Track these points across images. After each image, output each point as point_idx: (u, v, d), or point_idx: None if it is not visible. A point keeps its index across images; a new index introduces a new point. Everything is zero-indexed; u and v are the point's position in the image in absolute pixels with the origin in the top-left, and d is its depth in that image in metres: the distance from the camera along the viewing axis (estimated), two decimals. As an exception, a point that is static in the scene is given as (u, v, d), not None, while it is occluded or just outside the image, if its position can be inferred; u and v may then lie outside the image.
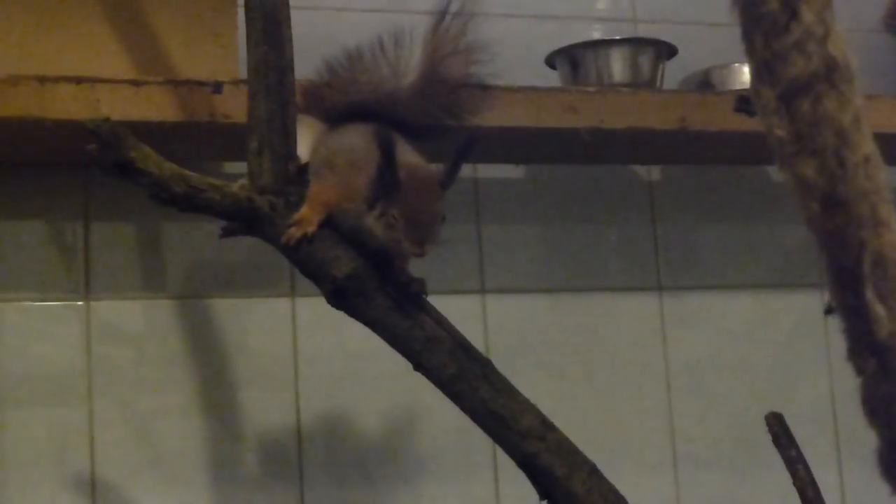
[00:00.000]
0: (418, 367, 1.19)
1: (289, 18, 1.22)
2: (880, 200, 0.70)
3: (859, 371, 0.75)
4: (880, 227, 0.70)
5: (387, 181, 1.14)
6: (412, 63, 1.27)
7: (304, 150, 1.25)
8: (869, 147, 0.70)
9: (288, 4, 1.22)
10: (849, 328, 0.75)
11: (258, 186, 1.19)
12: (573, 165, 1.84)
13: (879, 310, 0.71)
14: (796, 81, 0.67)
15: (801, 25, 0.67)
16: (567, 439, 1.18)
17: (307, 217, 1.19)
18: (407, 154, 1.19)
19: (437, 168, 1.20)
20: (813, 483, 1.31)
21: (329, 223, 1.19)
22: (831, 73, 0.68)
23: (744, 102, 1.63)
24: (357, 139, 1.22)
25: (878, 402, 0.76)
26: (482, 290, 1.79)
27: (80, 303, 1.63)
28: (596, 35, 1.79)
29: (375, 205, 1.15)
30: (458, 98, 1.28)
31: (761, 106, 0.71)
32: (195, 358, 1.66)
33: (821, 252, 0.73)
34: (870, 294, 0.71)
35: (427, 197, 1.16)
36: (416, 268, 1.23)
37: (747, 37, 0.71)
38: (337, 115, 1.29)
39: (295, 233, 1.18)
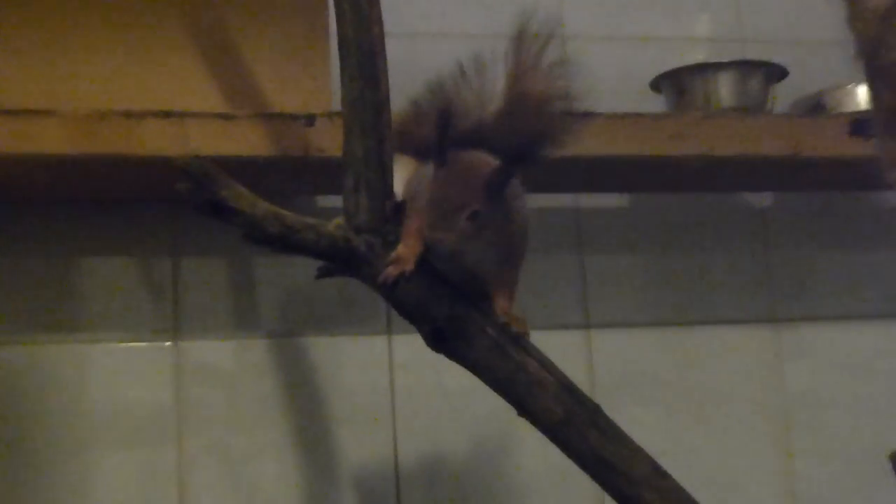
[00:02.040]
0: (522, 412, 1.18)
1: (384, 51, 1.21)
2: None
3: None
4: None
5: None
6: (497, 88, 1.23)
7: (398, 188, 1.24)
8: None
9: (383, 37, 1.22)
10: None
11: (354, 225, 1.19)
12: (680, 193, 1.83)
13: None
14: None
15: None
16: (681, 487, 1.16)
17: (404, 255, 1.17)
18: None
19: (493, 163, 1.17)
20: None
21: (425, 259, 1.18)
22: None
23: (859, 126, 1.61)
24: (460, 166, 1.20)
25: None
26: (587, 325, 1.77)
27: (168, 343, 1.65)
28: (701, 58, 1.77)
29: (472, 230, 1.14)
30: (547, 119, 1.23)
31: (886, 158, 0.69)
32: (289, 398, 1.67)
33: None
34: None
35: (458, 180, 1.15)
36: (517, 303, 1.22)
37: (872, 88, 0.70)
38: (428, 151, 1.28)
39: (392, 272, 1.16)
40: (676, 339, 1.81)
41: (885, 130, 0.70)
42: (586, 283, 1.78)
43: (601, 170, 1.62)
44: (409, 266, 1.17)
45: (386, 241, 1.19)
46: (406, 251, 1.17)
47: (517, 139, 1.21)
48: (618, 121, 1.58)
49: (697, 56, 1.79)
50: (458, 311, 1.17)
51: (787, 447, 1.81)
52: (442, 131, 1.14)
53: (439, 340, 1.19)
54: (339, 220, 1.20)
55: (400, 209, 1.20)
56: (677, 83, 1.73)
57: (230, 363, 1.66)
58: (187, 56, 1.48)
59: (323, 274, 1.22)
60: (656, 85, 1.77)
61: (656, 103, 1.76)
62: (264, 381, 1.67)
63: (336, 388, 1.69)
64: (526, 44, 1.22)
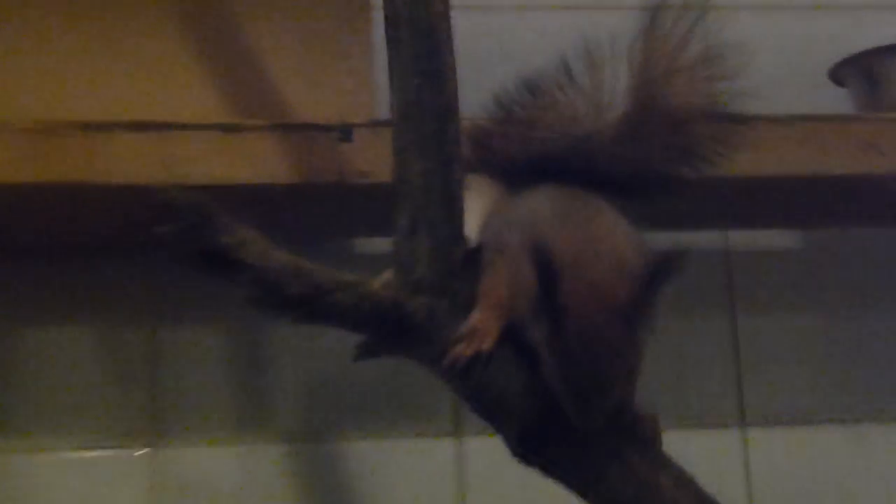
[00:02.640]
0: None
1: (451, 35, 1.21)
2: None
3: None
4: None
5: (543, 305, 1.10)
6: (617, 89, 1.24)
7: (473, 224, 1.24)
8: None
9: (449, 15, 1.22)
10: None
11: (411, 282, 1.18)
12: (875, 228, 1.83)
13: None
14: None
15: None
16: None
17: (482, 328, 1.17)
18: (597, 245, 1.14)
19: (633, 268, 1.12)
20: None
21: (509, 335, 1.18)
22: None
23: None
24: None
25: None
26: (741, 422, 1.77)
27: (143, 450, 1.67)
28: (897, 35, 1.77)
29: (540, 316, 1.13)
30: (693, 136, 1.25)
31: None
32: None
33: None
34: None
35: (597, 335, 1.10)
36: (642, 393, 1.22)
37: None
38: (516, 172, 1.28)
39: (465, 350, 1.16)
40: (867, 439, 1.80)
41: None
42: (740, 358, 1.78)
43: (761, 196, 1.62)
44: (488, 344, 1.16)
45: (454, 304, 1.19)
46: (485, 321, 1.17)
47: (649, 162, 1.22)
48: (784, 126, 1.58)
49: (894, 31, 1.78)
50: (556, 409, 1.17)
51: None
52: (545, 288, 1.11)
53: (531, 448, 1.18)
54: (389, 274, 1.20)
55: (475, 260, 1.20)
56: (868, 72, 1.73)
57: (229, 477, 1.67)
58: (175, 49, 1.49)
59: (365, 353, 1.22)
60: (838, 75, 1.76)
61: (838, 100, 1.75)
62: (279, 495, 1.69)
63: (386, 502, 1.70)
64: (661, 27, 1.22)
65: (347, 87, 1.51)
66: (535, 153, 1.26)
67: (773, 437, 1.77)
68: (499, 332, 1.17)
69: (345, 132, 1.48)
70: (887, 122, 1.62)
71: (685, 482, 1.18)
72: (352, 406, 1.70)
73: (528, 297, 1.12)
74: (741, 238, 1.79)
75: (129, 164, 1.43)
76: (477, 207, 1.25)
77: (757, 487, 1.73)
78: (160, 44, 1.49)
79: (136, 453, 1.65)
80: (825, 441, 1.79)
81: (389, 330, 1.19)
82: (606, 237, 1.15)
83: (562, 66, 1.25)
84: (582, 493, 1.18)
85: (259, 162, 1.46)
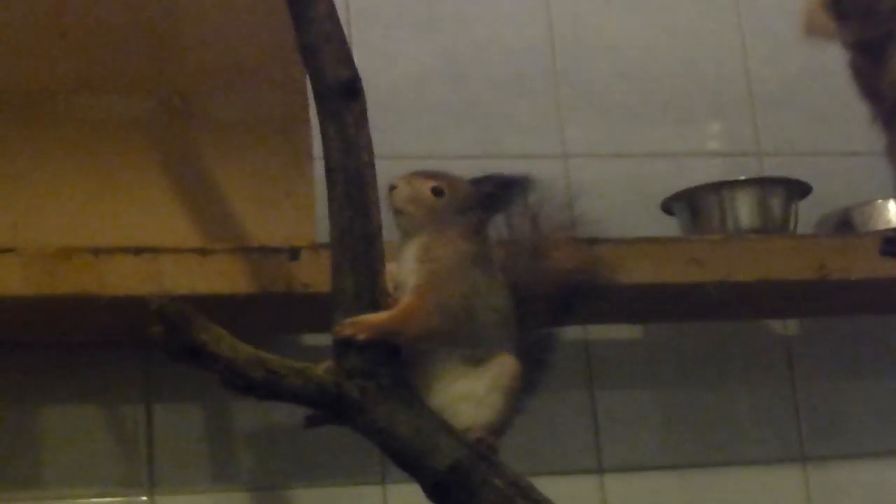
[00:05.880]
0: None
1: (375, 179, 1.22)
2: None
3: None
4: None
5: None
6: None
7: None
8: None
9: (373, 164, 1.22)
10: None
11: (346, 370, 1.18)
12: (698, 323, 1.84)
13: None
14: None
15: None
16: None
17: (367, 325, 1.18)
18: None
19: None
20: None
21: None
22: None
23: (891, 244, 1.62)
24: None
25: None
26: (599, 469, 1.77)
27: (143, 498, 1.64)
28: (716, 173, 1.78)
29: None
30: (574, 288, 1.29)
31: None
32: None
33: None
34: None
35: None
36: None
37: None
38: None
39: (346, 330, 1.18)
40: (699, 483, 1.80)
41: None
42: (598, 422, 1.78)
43: (611, 299, 1.62)
44: (363, 336, 1.17)
45: (380, 385, 1.18)
46: (370, 324, 1.18)
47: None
48: (627, 246, 1.58)
49: (712, 173, 1.80)
50: (461, 462, 1.17)
51: None
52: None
53: (442, 495, 1.18)
54: (330, 363, 1.20)
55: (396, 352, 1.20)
56: (691, 203, 1.74)
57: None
58: (159, 188, 1.49)
59: (312, 423, 1.21)
60: (668, 206, 1.78)
61: (669, 226, 1.77)
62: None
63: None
64: (543, 218, 1.26)
65: (294, 217, 1.50)
66: None
67: (627, 482, 1.77)
68: (373, 338, 1.17)
69: (292, 253, 1.48)
70: (706, 242, 1.63)
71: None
72: (304, 460, 1.69)
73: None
74: (596, 332, 1.79)
75: (128, 280, 1.42)
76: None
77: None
78: (146, 180, 1.49)
79: (139, 499, 1.64)
80: (666, 486, 1.79)
81: (331, 405, 1.19)
82: None
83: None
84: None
85: (225, 276, 1.46)
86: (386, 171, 1.24)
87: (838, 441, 1.86)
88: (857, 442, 1.86)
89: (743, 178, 1.74)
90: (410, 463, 1.18)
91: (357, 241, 1.21)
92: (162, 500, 1.64)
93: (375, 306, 1.20)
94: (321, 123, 1.24)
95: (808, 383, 1.86)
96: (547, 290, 1.26)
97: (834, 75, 1.55)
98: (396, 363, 1.19)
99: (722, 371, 1.84)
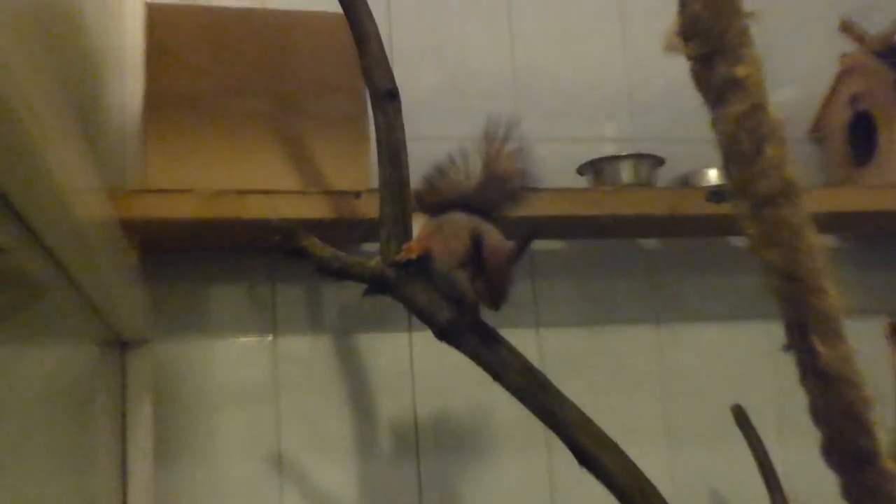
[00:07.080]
0: (498, 380, 1.17)
1: (405, 148, 1.22)
2: (822, 275, 0.68)
3: (808, 391, 0.72)
4: (822, 293, 0.68)
5: (475, 259, 1.12)
6: (476, 169, 1.23)
7: (416, 232, 1.22)
8: (814, 238, 0.68)
9: (405, 139, 1.22)
10: (800, 361, 0.73)
11: (388, 263, 1.19)
12: (598, 240, 1.83)
13: (821, 349, 0.68)
14: (763, 197, 0.66)
15: (765, 158, 0.66)
16: (599, 428, 1.15)
17: (414, 248, 1.17)
18: (491, 234, 1.15)
19: (510, 245, 1.14)
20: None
21: (428, 267, 1.17)
22: (787, 190, 0.66)
23: (712, 195, 1.61)
24: (456, 221, 1.19)
25: (820, 412, 0.74)
26: (536, 325, 1.77)
27: (269, 337, 1.65)
28: (609, 151, 1.77)
29: (466, 267, 1.13)
30: (513, 189, 1.23)
31: (739, 213, 0.69)
32: (345, 374, 1.66)
33: (780, 309, 0.71)
34: (814, 338, 0.69)
35: (502, 271, 1.13)
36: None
37: (727, 166, 0.70)
38: (439, 209, 1.25)
39: (404, 255, 1.17)
40: (596, 335, 1.80)
41: (736, 195, 0.70)
42: (537, 298, 1.77)
43: (547, 224, 1.61)
44: (415, 254, 1.16)
45: (408, 273, 1.18)
46: (415, 246, 1.17)
47: (493, 203, 1.22)
48: (557, 193, 1.58)
49: (607, 150, 1.78)
50: (455, 317, 1.17)
51: (664, 406, 1.80)
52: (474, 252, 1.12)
53: (443, 336, 1.18)
54: (378, 259, 1.20)
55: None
56: (595, 168, 1.73)
57: (307, 351, 1.66)
58: (276, 155, 1.47)
59: (368, 293, 1.22)
60: (581, 170, 1.76)
61: (581, 182, 1.76)
62: (330, 363, 1.66)
63: (374, 367, 1.68)
64: (493, 139, 1.22)
65: (357, 172, 1.49)
66: (445, 199, 1.23)
67: (554, 335, 1.76)
68: (420, 254, 1.16)
69: (357, 195, 1.47)
70: (602, 192, 1.63)
71: (513, 351, 1.17)
72: (361, 317, 1.68)
73: (459, 251, 1.13)
74: (539, 244, 1.77)
75: (259, 209, 1.42)
76: (417, 225, 1.23)
77: (546, 362, 1.72)
78: (268, 150, 1.47)
79: (267, 338, 1.64)
80: (578, 337, 1.77)
81: (379, 284, 1.19)
82: (494, 231, 1.16)
83: (450, 158, 1.24)
84: (467, 355, 1.18)
85: (315, 208, 1.46)
86: (412, 146, 1.24)
87: (679, 311, 1.85)
88: (691, 311, 1.85)
89: (625, 153, 1.73)
90: (425, 318, 1.19)
91: (394, 187, 1.21)
92: (280, 339, 1.64)
93: (406, 225, 1.20)
94: (374, 115, 1.24)
95: (662, 275, 1.85)
96: (496, 187, 1.22)
97: (684, 82, 1.54)
98: (419, 261, 1.19)
99: (612, 269, 1.83)
